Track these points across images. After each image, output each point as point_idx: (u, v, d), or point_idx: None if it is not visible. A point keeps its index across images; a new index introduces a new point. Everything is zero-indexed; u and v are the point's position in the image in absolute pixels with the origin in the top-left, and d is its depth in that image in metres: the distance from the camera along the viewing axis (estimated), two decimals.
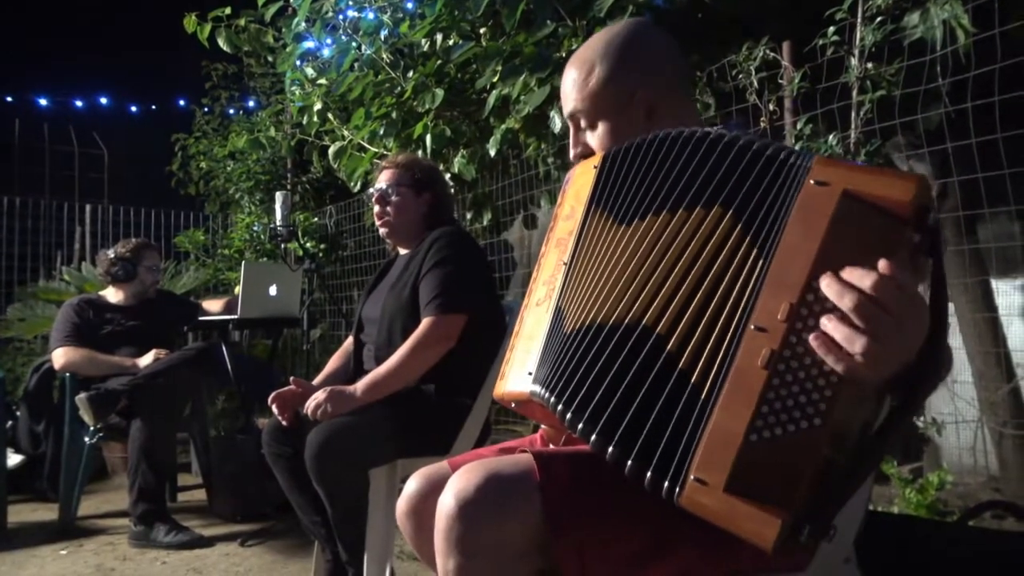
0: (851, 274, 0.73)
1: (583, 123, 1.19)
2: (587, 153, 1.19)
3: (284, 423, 1.94)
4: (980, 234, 2.55)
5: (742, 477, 0.75)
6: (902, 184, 0.75)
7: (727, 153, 0.89)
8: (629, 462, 0.82)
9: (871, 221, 0.75)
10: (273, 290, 3.40)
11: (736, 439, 0.75)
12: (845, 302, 0.72)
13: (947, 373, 0.88)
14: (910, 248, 0.76)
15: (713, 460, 0.76)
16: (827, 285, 0.73)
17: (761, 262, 0.80)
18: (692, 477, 0.77)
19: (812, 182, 0.79)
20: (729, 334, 0.80)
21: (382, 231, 2.16)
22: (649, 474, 0.81)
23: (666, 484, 0.79)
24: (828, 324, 0.73)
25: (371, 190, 2.19)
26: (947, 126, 2.11)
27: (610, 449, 0.84)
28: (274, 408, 1.97)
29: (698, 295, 0.84)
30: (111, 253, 3.26)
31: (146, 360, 2.99)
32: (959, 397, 2.63)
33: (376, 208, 2.14)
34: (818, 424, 0.73)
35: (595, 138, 1.18)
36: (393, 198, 2.11)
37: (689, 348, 0.82)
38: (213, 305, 3.64)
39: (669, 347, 0.84)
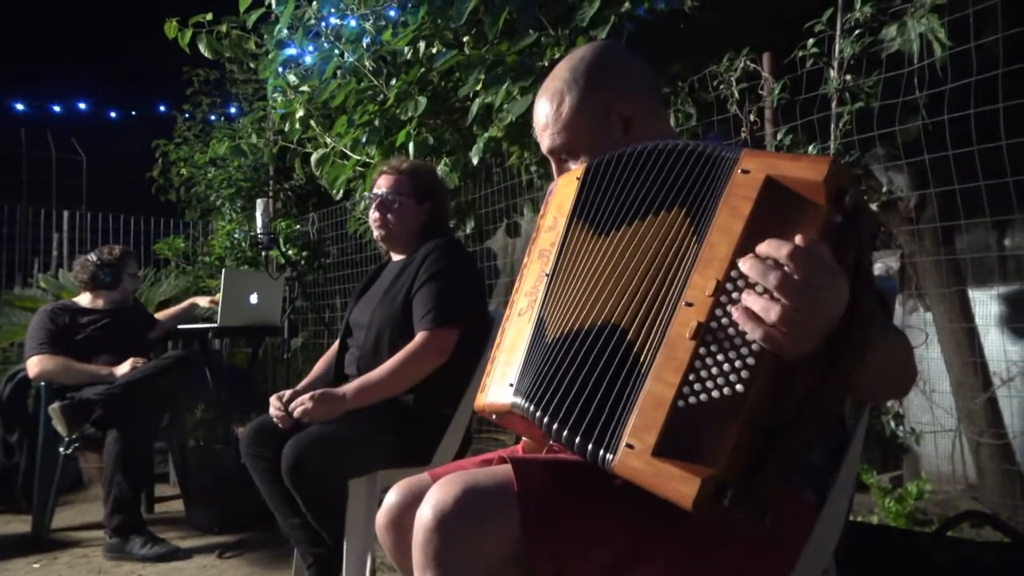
0: (767, 248, 0.78)
1: (563, 156, 1.19)
2: None
3: (280, 425, 1.91)
4: (957, 244, 2.58)
5: (669, 441, 0.79)
6: (815, 166, 0.81)
7: (683, 159, 0.93)
8: (603, 453, 0.84)
9: (789, 202, 0.81)
10: (254, 298, 3.37)
11: (664, 405, 0.80)
12: (763, 276, 0.77)
13: (907, 367, 0.92)
14: (829, 227, 0.80)
15: (644, 426, 0.81)
16: (749, 266, 0.78)
17: (696, 246, 0.86)
18: (624, 443, 0.82)
19: (739, 171, 0.86)
20: (667, 314, 0.85)
21: (378, 235, 2.15)
22: (593, 448, 0.84)
23: (606, 455, 0.83)
24: (747, 297, 0.78)
25: (368, 194, 2.18)
26: (924, 138, 2.13)
27: (589, 448, 0.85)
28: (272, 407, 1.94)
29: (653, 286, 0.88)
30: (93, 258, 3.22)
31: (123, 369, 2.95)
32: (938, 406, 2.66)
33: (375, 214, 2.12)
34: (741, 391, 0.77)
35: (579, 165, 1.16)
36: (394, 205, 2.10)
37: (641, 334, 0.87)
38: (161, 315, 3.61)
39: (629, 337, 0.87)
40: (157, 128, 6.60)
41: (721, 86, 2.37)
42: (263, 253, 3.79)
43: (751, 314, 0.77)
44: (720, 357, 0.79)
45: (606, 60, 1.18)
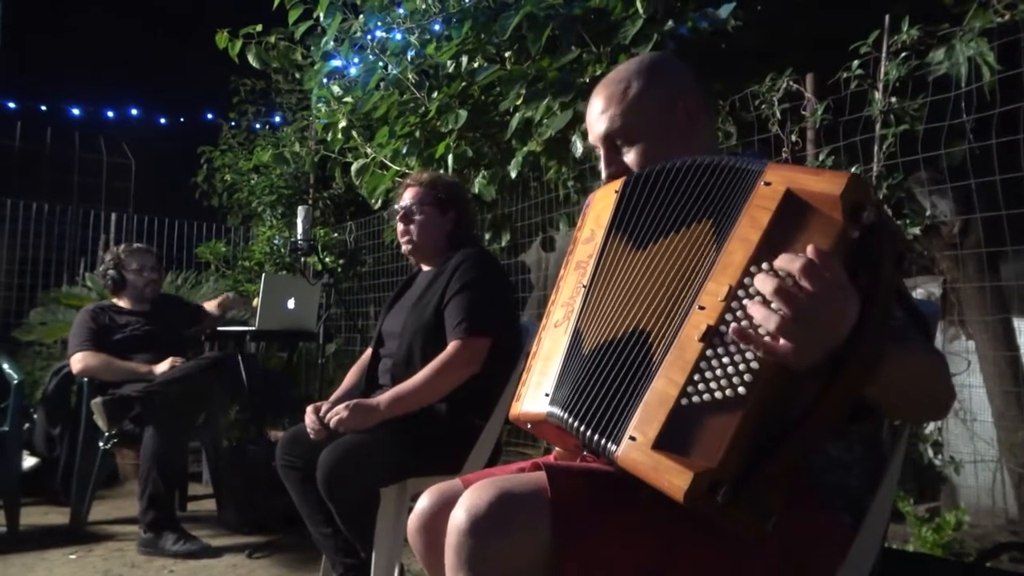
0: (779, 261, 0.80)
1: (619, 141, 1.17)
2: (621, 173, 1.15)
3: (314, 437, 1.94)
4: (1002, 272, 2.52)
5: (669, 435, 0.82)
6: (834, 180, 0.84)
7: (714, 173, 0.96)
8: (608, 445, 0.87)
9: (806, 214, 0.84)
10: (291, 303, 3.43)
11: (668, 402, 0.84)
12: (766, 287, 0.79)
13: (939, 387, 0.93)
14: (845, 241, 0.81)
15: (647, 420, 0.85)
16: (758, 279, 0.81)
17: (715, 254, 0.89)
18: (627, 436, 0.85)
19: (763, 183, 0.89)
20: (682, 316, 0.88)
21: (405, 248, 2.17)
22: (604, 441, 0.88)
23: (610, 445, 0.86)
24: (752, 307, 0.80)
25: (395, 207, 2.20)
26: (970, 162, 2.10)
27: (600, 441, 0.88)
28: (308, 417, 1.97)
29: (675, 291, 0.91)
30: (102, 266, 3.35)
31: (162, 367, 3.02)
32: (978, 437, 2.59)
33: (400, 226, 2.14)
34: (743, 393, 0.80)
35: (635, 154, 1.16)
36: (417, 216, 2.12)
37: (659, 336, 0.90)
38: (210, 305, 3.67)
39: (650, 339, 0.90)
40: (203, 135, 6.77)
41: (763, 106, 2.36)
42: (302, 259, 3.85)
43: (749, 332, 0.79)
44: (725, 360, 0.82)
45: (671, 61, 1.20)
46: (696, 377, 0.83)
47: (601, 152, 1.20)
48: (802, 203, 0.84)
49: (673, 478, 0.79)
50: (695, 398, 0.82)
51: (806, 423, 0.81)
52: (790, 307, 0.77)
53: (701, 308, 0.86)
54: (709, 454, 0.79)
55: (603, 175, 1.20)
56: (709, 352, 0.83)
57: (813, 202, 0.84)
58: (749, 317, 0.81)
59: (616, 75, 1.19)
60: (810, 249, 0.78)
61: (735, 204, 0.90)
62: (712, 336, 0.83)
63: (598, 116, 1.18)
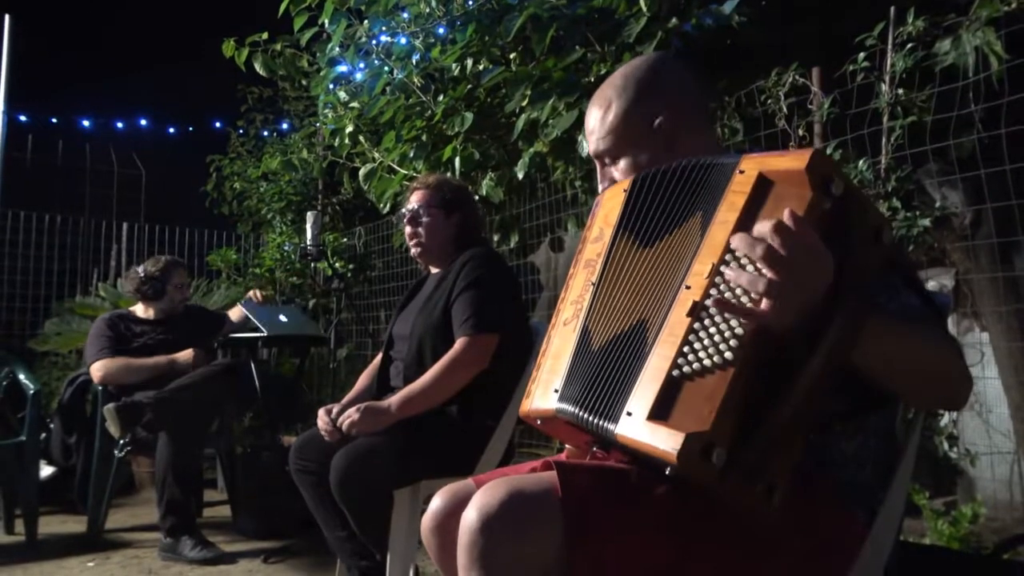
0: (755, 228, 0.85)
1: (607, 160, 1.22)
2: None
3: (327, 438, 1.95)
4: (1015, 262, 2.50)
5: (661, 406, 0.85)
6: (799, 157, 0.89)
7: (703, 171, 1.00)
8: (607, 425, 0.91)
9: (778, 191, 0.89)
10: (283, 317, 3.43)
11: (660, 376, 0.87)
12: (742, 246, 0.83)
13: (946, 368, 0.94)
14: (816, 211, 0.86)
15: (641, 395, 0.88)
16: (738, 240, 0.85)
17: (700, 240, 0.94)
18: (624, 412, 0.89)
19: (738, 172, 0.95)
20: (672, 300, 0.92)
21: (414, 251, 2.19)
22: (604, 423, 0.92)
23: (608, 425, 0.90)
24: (730, 273, 0.85)
25: (402, 211, 2.22)
26: (980, 153, 2.08)
27: (600, 424, 0.91)
28: (321, 420, 1.98)
29: (669, 282, 0.94)
30: (140, 271, 3.32)
31: (184, 356, 3.04)
32: (995, 430, 2.57)
33: (408, 229, 2.17)
34: (729, 358, 0.83)
35: (619, 172, 1.20)
36: (424, 219, 2.14)
37: (655, 323, 0.93)
38: (234, 312, 3.70)
39: (648, 328, 0.94)
40: (213, 144, 6.82)
41: (769, 101, 2.35)
42: (312, 265, 3.86)
43: (730, 303, 0.83)
44: (712, 330, 0.86)
45: (658, 73, 1.20)
46: (685, 349, 0.86)
47: (597, 166, 1.25)
48: (773, 183, 0.90)
49: (666, 442, 0.82)
50: (685, 368, 0.85)
51: (796, 385, 0.83)
52: (766, 265, 0.81)
53: (687, 288, 0.90)
54: (700, 417, 0.82)
55: (600, 190, 1.24)
56: (696, 325, 0.87)
57: (783, 180, 0.89)
58: (727, 282, 0.86)
59: (604, 90, 1.22)
60: (786, 213, 0.82)
61: (717, 195, 0.95)
62: (699, 310, 0.87)
63: (588, 135, 1.24)
